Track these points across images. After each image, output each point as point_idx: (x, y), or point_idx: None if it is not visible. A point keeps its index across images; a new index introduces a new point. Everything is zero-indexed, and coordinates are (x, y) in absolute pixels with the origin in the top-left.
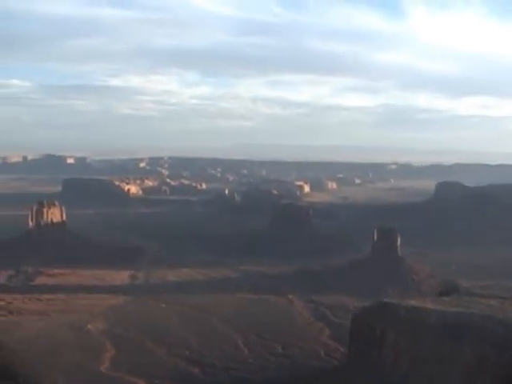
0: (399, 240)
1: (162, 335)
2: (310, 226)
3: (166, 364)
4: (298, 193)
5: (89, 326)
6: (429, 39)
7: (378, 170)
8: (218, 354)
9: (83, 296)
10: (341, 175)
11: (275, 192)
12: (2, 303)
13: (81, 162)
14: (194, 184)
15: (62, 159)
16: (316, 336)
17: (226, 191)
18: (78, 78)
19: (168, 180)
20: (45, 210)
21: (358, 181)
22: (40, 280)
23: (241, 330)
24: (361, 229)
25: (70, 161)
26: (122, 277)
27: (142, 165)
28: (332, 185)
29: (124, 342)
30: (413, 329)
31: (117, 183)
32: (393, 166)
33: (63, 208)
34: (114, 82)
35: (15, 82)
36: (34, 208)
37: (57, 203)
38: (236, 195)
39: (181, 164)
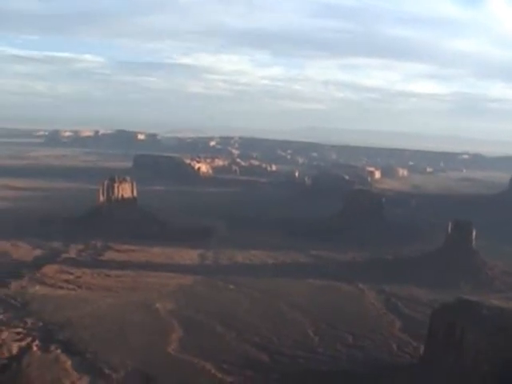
0: (474, 233)
1: (231, 319)
2: (381, 214)
3: (234, 349)
4: (368, 179)
5: (157, 305)
6: (505, 28)
7: (449, 159)
8: (288, 342)
9: (152, 274)
10: (412, 163)
11: (346, 177)
12: (72, 277)
13: (151, 138)
14: (263, 165)
15: (132, 135)
16: (387, 328)
17: (297, 174)
18: (149, 55)
19: (238, 160)
20: (116, 186)
21: (429, 169)
22: (109, 255)
23: (311, 317)
24: (432, 219)
25: (141, 137)
26: (191, 256)
27: (212, 144)
28: (403, 172)
29: (192, 324)
30: (495, 330)
31: (187, 161)
32: (465, 156)
33: (134, 184)
34: (185, 60)
35: (88, 57)
36: (106, 183)
37: (128, 179)
38: (306, 178)
39: (251, 144)
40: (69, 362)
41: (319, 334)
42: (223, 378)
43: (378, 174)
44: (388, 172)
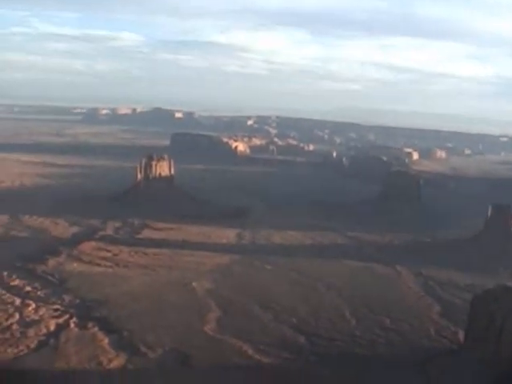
0: None
1: (268, 299)
2: (419, 196)
3: (271, 330)
4: (406, 160)
5: (194, 285)
6: None
7: (487, 141)
8: (325, 324)
9: (189, 253)
10: (450, 145)
11: (384, 158)
12: (109, 255)
13: (189, 116)
14: (301, 145)
15: (170, 113)
16: (425, 312)
17: (334, 154)
18: (186, 34)
19: (275, 139)
20: (153, 164)
21: (467, 151)
22: (146, 233)
23: (348, 299)
24: (470, 202)
25: (178, 115)
26: (228, 235)
27: (249, 123)
28: (441, 154)
29: (230, 304)
30: None
31: (225, 140)
32: (504, 139)
33: (172, 162)
34: (223, 38)
35: (125, 35)
36: (143, 161)
37: (166, 157)
38: (344, 159)
39: (288, 124)
40: (106, 340)
41: (356, 316)
42: (260, 359)
43: (415, 156)
44: (426, 154)
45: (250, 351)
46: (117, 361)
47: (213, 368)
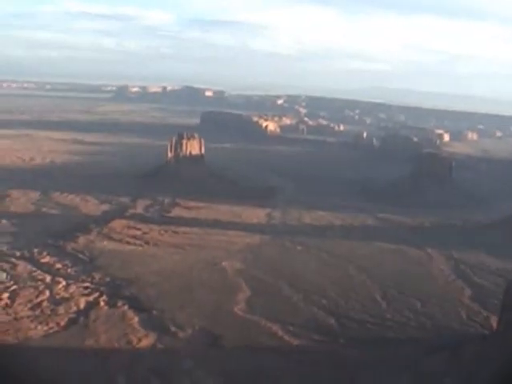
0: None
1: (298, 280)
2: (451, 178)
3: (302, 311)
4: (437, 142)
5: (224, 264)
6: None
7: None
8: (355, 306)
9: (219, 232)
10: (481, 126)
11: (415, 139)
12: (139, 233)
13: (219, 95)
14: (331, 125)
15: (200, 92)
16: (457, 296)
17: (364, 134)
18: (216, 13)
19: (305, 119)
20: (184, 142)
21: (498, 133)
22: (176, 212)
23: (378, 281)
24: (502, 185)
25: (209, 94)
26: (258, 215)
27: (279, 102)
28: (472, 136)
29: (260, 284)
30: None
31: (255, 119)
32: None
33: (202, 141)
34: (252, 17)
35: (156, 13)
36: (174, 139)
37: (196, 136)
38: (374, 140)
39: (318, 104)
40: (135, 319)
41: (387, 298)
42: (290, 340)
43: (446, 137)
44: (457, 135)
45: (280, 332)
46: (146, 340)
47: (242, 349)
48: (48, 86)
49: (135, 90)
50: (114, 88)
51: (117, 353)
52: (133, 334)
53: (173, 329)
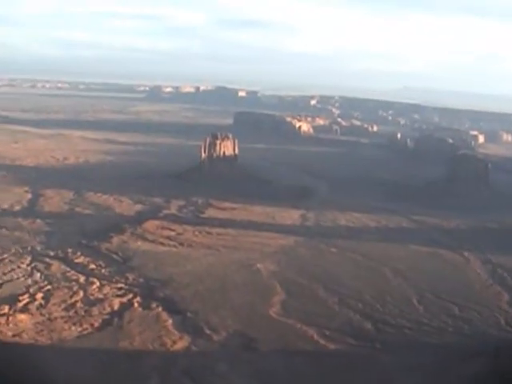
0: None
1: (333, 283)
2: (487, 180)
3: (337, 315)
4: (472, 143)
5: (258, 266)
6: None
7: None
8: (392, 310)
9: (253, 233)
10: None
11: (450, 140)
12: (173, 234)
13: (252, 95)
14: (365, 125)
15: (233, 92)
16: (494, 301)
17: (399, 135)
18: (248, 12)
19: (339, 120)
20: (218, 143)
21: None
22: (210, 213)
23: (415, 285)
24: None
25: (242, 94)
26: (292, 216)
27: (312, 102)
28: (507, 137)
29: (295, 287)
30: None
31: (288, 119)
32: None
33: (236, 141)
34: (285, 17)
35: (187, 13)
36: (208, 140)
37: (230, 136)
38: (409, 141)
39: (351, 104)
40: (170, 321)
41: (424, 303)
42: (325, 344)
43: (481, 139)
44: (492, 137)
45: (316, 336)
46: (181, 342)
47: (277, 352)
48: (81, 86)
49: (168, 90)
50: (147, 88)
51: (151, 355)
52: (167, 337)
53: (207, 331)
